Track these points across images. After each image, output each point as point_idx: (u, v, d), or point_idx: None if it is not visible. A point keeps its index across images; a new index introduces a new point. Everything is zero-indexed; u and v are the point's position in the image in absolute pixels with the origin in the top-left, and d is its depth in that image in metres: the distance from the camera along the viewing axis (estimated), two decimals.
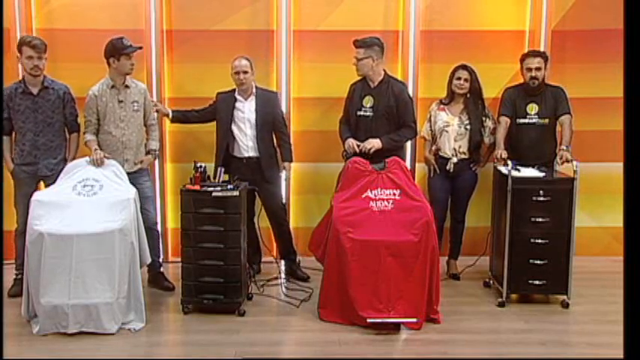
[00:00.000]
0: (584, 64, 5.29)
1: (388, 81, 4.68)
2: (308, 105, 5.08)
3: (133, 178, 4.52)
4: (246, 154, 4.76)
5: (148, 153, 4.72)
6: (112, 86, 4.55)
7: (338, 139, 4.80)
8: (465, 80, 4.78)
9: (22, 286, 4.14)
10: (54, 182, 4.38)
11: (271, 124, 4.79)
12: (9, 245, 4.84)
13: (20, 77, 4.56)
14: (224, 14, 5.25)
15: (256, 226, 4.78)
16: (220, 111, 4.78)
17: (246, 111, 4.76)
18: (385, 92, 4.63)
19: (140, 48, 4.52)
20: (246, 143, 4.76)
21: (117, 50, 4.44)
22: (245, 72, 4.72)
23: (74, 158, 4.59)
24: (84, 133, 4.60)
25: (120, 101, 4.55)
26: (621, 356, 2.89)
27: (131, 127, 4.59)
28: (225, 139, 4.76)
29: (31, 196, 4.42)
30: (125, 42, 4.46)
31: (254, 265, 4.99)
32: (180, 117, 4.91)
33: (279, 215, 4.95)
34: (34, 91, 4.47)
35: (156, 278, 4.77)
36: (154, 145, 4.75)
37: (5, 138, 4.55)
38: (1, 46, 4.72)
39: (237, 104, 4.77)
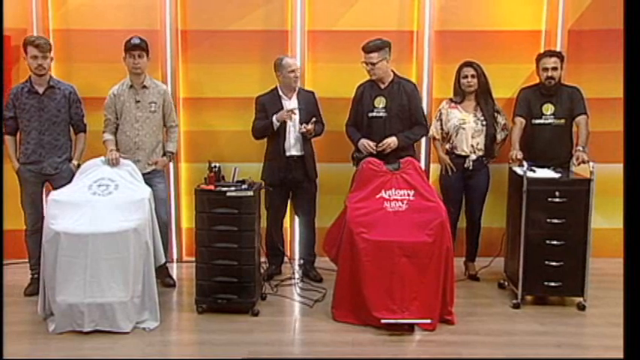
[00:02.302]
0: (600, 64, 5.26)
1: (399, 81, 4.70)
2: (322, 105, 5.08)
3: (147, 179, 4.56)
4: (288, 153, 4.79)
5: (164, 154, 4.75)
6: (131, 86, 4.59)
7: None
8: (472, 76, 4.79)
9: (38, 285, 4.19)
10: (67, 182, 4.41)
11: (312, 119, 4.80)
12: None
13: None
14: (238, 14, 5.28)
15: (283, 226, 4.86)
16: (271, 112, 4.75)
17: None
18: (397, 92, 4.65)
19: (140, 48, 4.51)
20: (289, 141, 4.78)
21: (124, 48, 4.52)
22: (298, 69, 4.83)
23: (80, 158, 4.64)
24: (103, 132, 4.65)
25: (137, 101, 4.59)
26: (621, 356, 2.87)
27: (146, 128, 4.62)
28: (282, 139, 4.77)
29: (36, 195, 4.52)
30: (133, 40, 4.51)
31: (273, 265, 5.03)
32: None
33: (311, 215, 5.01)
34: (40, 90, 4.51)
35: (159, 273, 4.76)
36: (171, 147, 4.79)
37: (11, 137, 4.59)
38: (1, 47, 4.77)
39: (284, 103, 4.79)
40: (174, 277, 4.98)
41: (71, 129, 4.70)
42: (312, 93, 5.01)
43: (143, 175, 4.55)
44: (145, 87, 4.62)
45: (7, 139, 4.58)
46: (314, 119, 4.76)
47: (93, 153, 4.58)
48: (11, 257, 5.14)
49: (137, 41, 4.51)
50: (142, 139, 4.62)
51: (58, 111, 4.56)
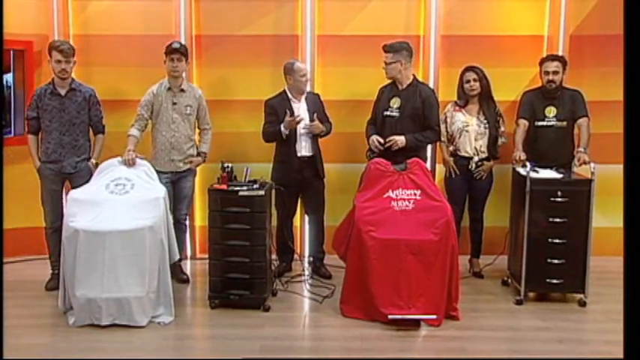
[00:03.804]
0: (601, 69, 5.32)
1: (417, 85, 4.78)
2: (331, 107, 5.17)
3: (179, 176, 4.75)
4: (299, 154, 4.89)
5: (198, 155, 4.91)
6: (169, 88, 4.74)
7: (361, 141, 4.92)
8: (475, 80, 4.87)
9: (58, 280, 4.30)
10: (86, 180, 4.54)
11: (320, 119, 4.94)
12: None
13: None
14: (250, 20, 5.39)
15: (293, 225, 4.96)
16: (281, 115, 4.84)
17: (300, 111, 4.90)
18: (413, 94, 4.73)
19: (179, 52, 4.65)
20: (300, 143, 4.89)
21: (165, 52, 4.68)
22: (308, 73, 4.97)
23: (99, 157, 4.76)
24: (131, 126, 4.77)
25: (174, 103, 4.74)
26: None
27: (181, 129, 4.77)
28: (293, 141, 4.87)
29: (56, 193, 4.64)
30: (173, 45, 4.67)
31: (284, 263, 5.13)
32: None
33: (321, 213, 5.11)
34: (62, 92, 4.65)
35: (173, 269, 4.90)
36: (205, 148, 4.93)
37: (33, 137, 4.73)
38: (1, 47, 4.88)
39: (294, 105, 4.90)
40: (188, 273, 5.08)
41: (90, 130, 4.82)
42: (317, 95, 5.13)
43: (177, 172, 4.73)
44: (182, 90, 4.76)
45: (30, 138, 4.73)
46: (315, 114, 4.87)
47: (110, 153, 4.70)
48: (33, 253, 5.32)
49: (177, 45, 4.66)
50: (177, 140, 4.77)
51: (78, 112, 4.69)
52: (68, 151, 4.69)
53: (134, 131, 4.75)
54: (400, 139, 4.65)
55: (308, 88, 5.10)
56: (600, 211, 4.96)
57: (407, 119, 4.72)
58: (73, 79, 4.70)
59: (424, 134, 4.75)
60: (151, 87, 4.79)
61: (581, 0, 5.34)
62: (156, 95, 4.75)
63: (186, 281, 4.93)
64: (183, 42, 5.14)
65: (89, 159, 4.76)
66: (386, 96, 4.83)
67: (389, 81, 4.84)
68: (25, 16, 5.23)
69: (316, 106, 4.99)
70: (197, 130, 5.00)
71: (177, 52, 4.65)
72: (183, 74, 4.84)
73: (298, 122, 4.78)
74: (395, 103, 4.77)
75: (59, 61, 4.56)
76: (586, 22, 5.34)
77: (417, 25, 5.44)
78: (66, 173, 4.70)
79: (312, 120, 4.87)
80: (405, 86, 4.76)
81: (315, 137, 4.95)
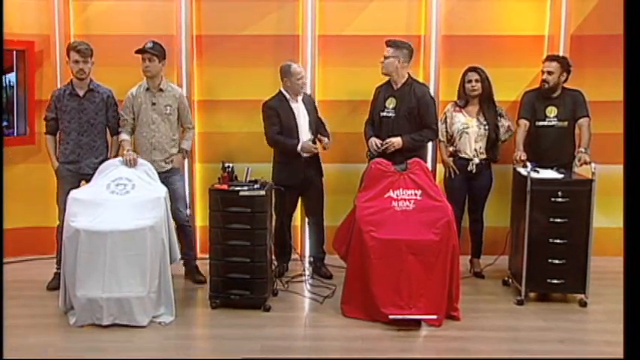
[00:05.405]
0: (602, 69, 5.31)
1: (411, 84, 4.79)
2: (332, 107, 5.20)
3: (165, 177, 4.69)
4: (303, 155, 4.89)
5: (179, 152, 4.88)
6: (147, 89, 4.73)
7: (362, 141, 4.92)
8: (477, 81, 4.86)
9: (60, 280, 4.30)
10: None
11: (316, 121, 4.98)
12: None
13: (58, 82, 4.76)
14: (251, 20, 5.39)
15: (292, 225, 4.97)
16: (284, 117, 4.86)
17: (300, 111, 4.91)
18: (408, 94, 4.74)
19: (149, 52, 4.60)
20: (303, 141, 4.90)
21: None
22: (305, 76, 4.98)
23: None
24: (119, 132, 4.77)
25: (153, 104, 4.72)
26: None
27: (162, 129, 4.75)
28: (296, 141, 4.86)
29: None
30: (145, 45, 4.62)
31: (284, 264, 5.12)
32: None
33: (321, 213, 5.11)
34: (81, 93, 4.67)
35: (190, 272, 4.94)
36: (186, 145, 4.90)
37: (51, 137, 4.76)
38: (1, 47, 4.88)
39: (293, 106, 4.91)
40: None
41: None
42: (311, 96, 5.15)
43: (161, 173, 4.69)
44: (161, 90, 4.74)
45: (48, 138, 4.77)
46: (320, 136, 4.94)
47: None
48: (34, 253, 5.34)
49: (148, 45, 4.62)
50: (157, 140, 4.75)
51: (96, 114, 4.71)
52: (86, 152, 4.71)
53: (125, 136, 4.75)
54: (397, 141, 4.66)
55: (308, 90, 5.11)
56: (601, 211, 4.97)
57: (403, 119, 4.74)
58: (91, 80, 4.71)
59: (421, 133, 4.76)
60: (130, 89, 4.78)
61: (581, 0, 5.35)
62: (135, 97, 4.74)
63: (203, 282, 4.84)
64: (183, 42, 5.18)
65: (106, 160, 4.73)
66: (382, 96, 4.85)
67: (386, 80, 4.85)
68: (27, 17, 5.24)
69: (313, 107, 5.01)
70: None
71: (146, 52, 4.61)
72: (162, 74, 4.78)
73: (316, 151, 4.84)
74: (390, 103, 4.79)
75: (77, 62, 4.57)
76: (587, 22, 5.35)
77: (418, 25, 5.43)
78: (84, 174, 4.70)
79: (312, 123, 4.91)
80: (399, 86, 4.78)
81: (314, 134, 4.96)
